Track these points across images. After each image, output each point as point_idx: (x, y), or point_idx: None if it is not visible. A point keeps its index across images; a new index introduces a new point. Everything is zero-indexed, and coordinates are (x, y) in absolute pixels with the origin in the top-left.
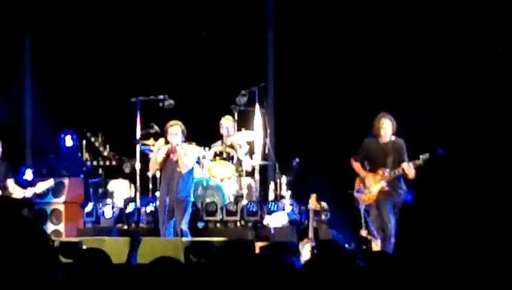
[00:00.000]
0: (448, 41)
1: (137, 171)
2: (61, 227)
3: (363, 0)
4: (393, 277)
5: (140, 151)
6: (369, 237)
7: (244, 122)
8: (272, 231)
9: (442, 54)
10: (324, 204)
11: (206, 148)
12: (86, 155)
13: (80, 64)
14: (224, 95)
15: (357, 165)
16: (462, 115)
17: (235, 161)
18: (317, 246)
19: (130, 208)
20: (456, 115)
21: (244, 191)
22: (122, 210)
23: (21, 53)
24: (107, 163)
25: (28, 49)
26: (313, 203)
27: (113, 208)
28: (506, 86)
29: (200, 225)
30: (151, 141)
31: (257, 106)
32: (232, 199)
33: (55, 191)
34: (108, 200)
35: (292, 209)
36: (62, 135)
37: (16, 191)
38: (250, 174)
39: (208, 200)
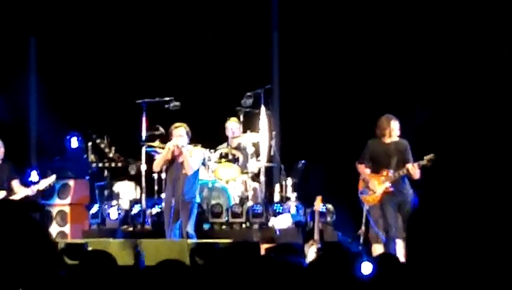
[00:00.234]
0: (453, 43)
1: (143, 173)
2: (66, 229)
3: (367, 1)
4: (400, 281)
5: (146, 153)
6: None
7: (249, 124)
8: (278, 233)
9: (447, 56)
10: (330, 206)
11: (212, 150)
12: (91, 157)
13: (85, 66)
14: (229, 97)
15: (362, 169)
16: (465, 116)
17: (240, 162)
18: (322, 248)
19: (136, 209)
20: (460, 115)
21: (250, 193)
22: (127, 212)
23: (26, 54)
24: (113, 165)
25: (33, 50)
26: (318, 205)
27: (118, 209)
28: (510, 86)
29: (206, 226)
30: (156, 143)
31: (262, 107)
32: (237, 201)
33: (61, 192)
34: (114, 202)
35: (297, 211)
36: (67, 137)
37: (20, 191)
38: (256, 176)
39: (213, 202)
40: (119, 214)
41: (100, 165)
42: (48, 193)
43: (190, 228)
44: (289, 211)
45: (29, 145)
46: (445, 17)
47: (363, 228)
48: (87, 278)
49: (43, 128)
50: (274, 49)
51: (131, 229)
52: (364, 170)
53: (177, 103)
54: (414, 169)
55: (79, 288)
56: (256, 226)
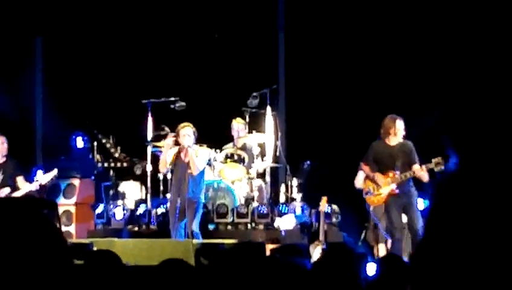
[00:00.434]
0: (461, 44)
1: (148, 173)
2: (71, 228)
3: (374, 2)
4: (405, 281)
5: (151, 153)
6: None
7: (255, 125)
8: (283, 233)
9: (454, 57)
10: (335, 207)
11: (217, 150)
12: (97, 157)
13: (91, 66)
14: (235, 97)
15: (366, 168)
16: (471, 118)
17: (246, 163)
18: (327, 249)
19: (141, 209)
20: (467, 117)
21: (255, 194)
22: (133, 212)
23: (32, 54)
24: (118, 165)
25: (39, 50)
26: (323, 205)
27: (123, 209)
28: None
29: (211, 227)
30: (162, 143)
31: (268, 108)
32: (242, 201)
33: (66, 192)
34: (119, 202)
35: (303, 212)
36: (73, 136)
37: (24, 187)
38: (261, 176)
39: (218, 202)
40: (124, 214)
41: (106, 165)
42: (53, 193)
43: (196, 228)
44: (294, 212)
45: (35, 145)
46: (453, 18)
47: (371, 231)
48: (92, 277)
49: (49, 128)
50: (280, 49)
51: (136, 229)
52: (368, 170)
53: (183, 103)
54: (422, 172)
55: (84, 288)
56: (261, 227)
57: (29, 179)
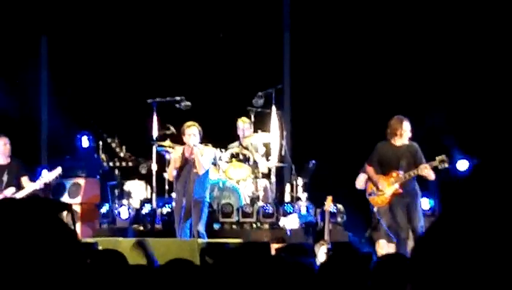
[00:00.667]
0: (466, 45)
1: (154, 172)
2: (77, 228)
3: (379, 2)
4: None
5: (157, 152)
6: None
7: (260, 124)
8: (288, 233)
9: (460, 58)
10: (340, 206)
11: (223, 150)
12: (102, 156)
13: (96, 65)
14: (240, 97)
15: (370, 170)
16: (475, 118)
17: (251, 162)
18: (332, 248)
19: (146, 209)
20: (472, 118)
21: (260, 193)
22: (138, 211)
23: (37, 53)
24: (124, 164)
25: (44, 49)
26: (328, 205)
27: (129, 209)
28: None
29: (216, 226)
30: (167, 142)
31: (273, 107)
32: (248, 201)
33: (71, 192)
34: (125, 201)
35: (308, 211)
36: (78, 136)
37: (28, 186)
38: (266, 176)
39: (223, 201)
40: (129, 213)
41: (111, 164)
42: (58, 192)
43: (201, 228)
44: (299, 211)
45: (40, 144)
46: (458, 19)
47: (374, 231)
48: (97, 277)
49: (54, 127)
50: (285, 49)
51: (141, 228)
52: (372, 172)
53: (188, 103)
54: (427, 170)
55: (89, 287)
56: (266, 226)
57: (34, 179)
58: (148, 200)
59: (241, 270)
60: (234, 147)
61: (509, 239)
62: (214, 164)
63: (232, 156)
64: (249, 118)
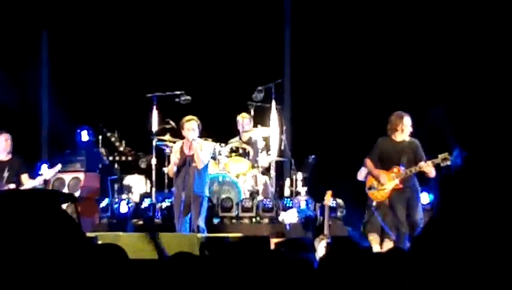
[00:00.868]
0: (466, 42)
1: (153, 167)
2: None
3: None
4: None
5: (156, 146)
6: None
7: (260, 119)
8: (288, 228)
9: (460, 54)
10: (340, 201)
11: (223, 144)
12: (102, 150)
13: (97, 60)
14: (240, 91)
15: (370, 165)
16: (476, 115)
17: (251, 157)
18: (332, 243)
19: (146, 203)
20: (472, 114)
21: (260, 188)
22: (137, 205)
23: (38, 48)
24: (123, 158)
25: (45, 44)
26: (328, 199)
27: (128, 203)
28: None
29: (216, 220)
30: (167, 137)
31: (273, 102)
32: (247, 195)
33: (71, 186)
34: (124, 196)
35: (307, 206)
36: (78, 130)
37: (28, 183)
38: (266, 170)
39: (223, 196)
40: (129, 207)
41: (111, 158)
42: (58, 186)
43: (201, 222)
44: (299, 206)
45: (41, 139)
46: (459, 16)
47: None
48: (96, 271)
49: (54, 122)
50: (286, 44)
51: (141, 222)
52: (372, 166)
53: (188, 97)
54: (428, 167)
55: (89, 282)
56: (266, 221)
57: (34, 173)
58: (148, 195)
59: (241, 264)
60: (235, 142)
61: (505, 232)
62: (214, 158)
63: (232, 150)
64: (249, 112)
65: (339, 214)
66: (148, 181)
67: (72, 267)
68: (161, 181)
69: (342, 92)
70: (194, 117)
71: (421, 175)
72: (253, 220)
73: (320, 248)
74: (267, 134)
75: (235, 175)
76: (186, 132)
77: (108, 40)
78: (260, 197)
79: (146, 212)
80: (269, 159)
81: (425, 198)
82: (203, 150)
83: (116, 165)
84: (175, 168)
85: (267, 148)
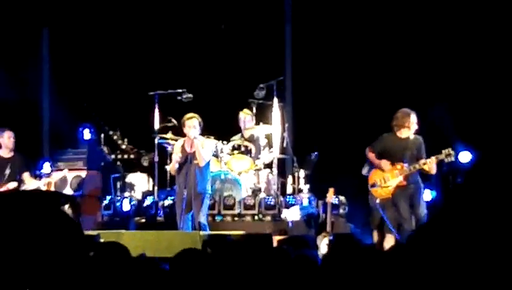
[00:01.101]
0: (469, 40)
1: (156, 165)
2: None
3: None
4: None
5: (159, 144)
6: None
7: (262, 116)
8: (290, 225)
9: (463, 52)
10: (342, 198)
11: (224, 142)
12: (104, 149)
13: (98, 58)
14: (242, 89)
15: (371, 155)
16: (483, 114)
17: (253, 154)
18: (334, 240)
19: (148, 201)
20: (473, 112)
21: (262, 185)
22: (140, 203)
23: (39, 45)
24: (125, 156)
25: (46, 42)
26: (330, 196)
27: (131, 201)
28: None
29: (218, 218)
30: (169, 135)
31: (275, 99)
32: (249, 193)
33: (73, 184)
34: (127, 194)
35: (310, 203)
36: (80, 128)
37: (31, 183)
38: (268, 167)
39: (225, 193)
40: (131, 205)
41: (113, 156)
42: (60, 185)
43: (203, 219)
44: (301, 203)
45: (42, 137)
46: (461, 13)
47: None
48: (99, 269)
49: (56, 120)
50: (287, 41)
51: (143, 220)
52: (373, 157)
53: (190, 95)
54: (431, 164)
55: (91, 279)
56: (268, 218)
57: (36, 172)
58: (150, 193)
59: (244, 262)
60: (237, 140)
61: (507, 232)
62: (216, 155)
63: (234, 148)
64: (251, 110)
65: (341, 211)
66: (151, 179)
67: (72, 268)
68: (163, 179)
69: (344, 89)
70: (195, 115)
71: (422, 172)
72: (256, 217)
73: (323, 245)
74: (269, 131)
75: (237, 173)
76: (187, 129)
77: (110, 37)
78: (262, 195)
79: (148, 210)
80: (271, 156)
81: (427, 195)
82: (204, 147)
83: (118, 163)
84: (177, 166)
85: (269, 145)
